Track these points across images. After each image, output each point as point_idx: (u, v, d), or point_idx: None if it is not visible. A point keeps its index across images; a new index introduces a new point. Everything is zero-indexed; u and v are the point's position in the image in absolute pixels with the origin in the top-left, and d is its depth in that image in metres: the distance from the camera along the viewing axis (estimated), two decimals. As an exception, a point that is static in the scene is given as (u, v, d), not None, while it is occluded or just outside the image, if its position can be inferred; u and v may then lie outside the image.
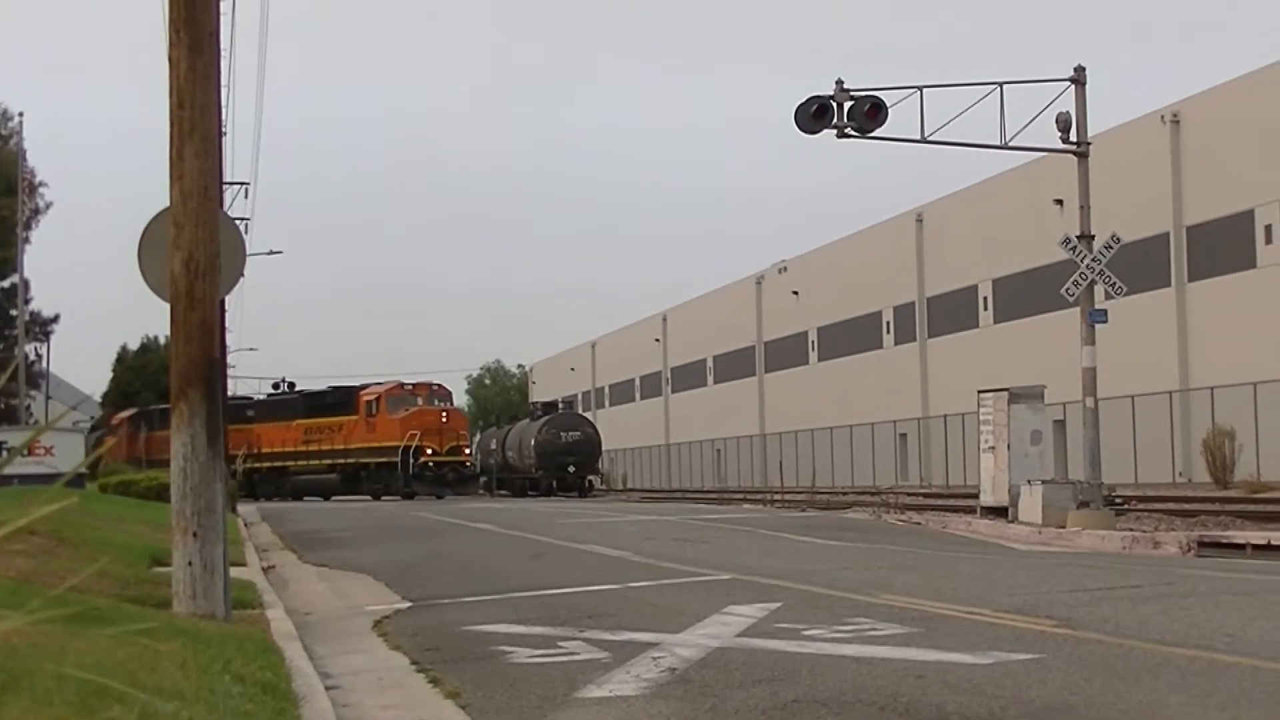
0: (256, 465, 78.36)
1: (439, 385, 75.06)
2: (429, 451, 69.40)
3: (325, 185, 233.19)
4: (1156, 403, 58.40)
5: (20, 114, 72.95)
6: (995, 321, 71.41)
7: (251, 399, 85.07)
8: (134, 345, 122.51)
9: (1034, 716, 9.12)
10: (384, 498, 68.57)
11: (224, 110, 29.88)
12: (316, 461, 75.38)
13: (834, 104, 30.69)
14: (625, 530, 31.27)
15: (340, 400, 75.37)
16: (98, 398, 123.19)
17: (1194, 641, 11.91)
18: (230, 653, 10.34)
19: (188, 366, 13.29)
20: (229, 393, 67.75)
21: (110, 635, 9.41)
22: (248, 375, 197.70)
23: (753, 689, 10.24)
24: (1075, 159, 31.92)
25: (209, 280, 13.43)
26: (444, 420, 71.23)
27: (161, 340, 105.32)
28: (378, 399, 72.10)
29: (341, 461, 73.65)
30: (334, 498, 72.68)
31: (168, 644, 9.96)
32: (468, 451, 72.59)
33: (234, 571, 15.91)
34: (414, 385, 74.17)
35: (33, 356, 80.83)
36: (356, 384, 76.15)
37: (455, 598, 17.90)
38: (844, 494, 59.24)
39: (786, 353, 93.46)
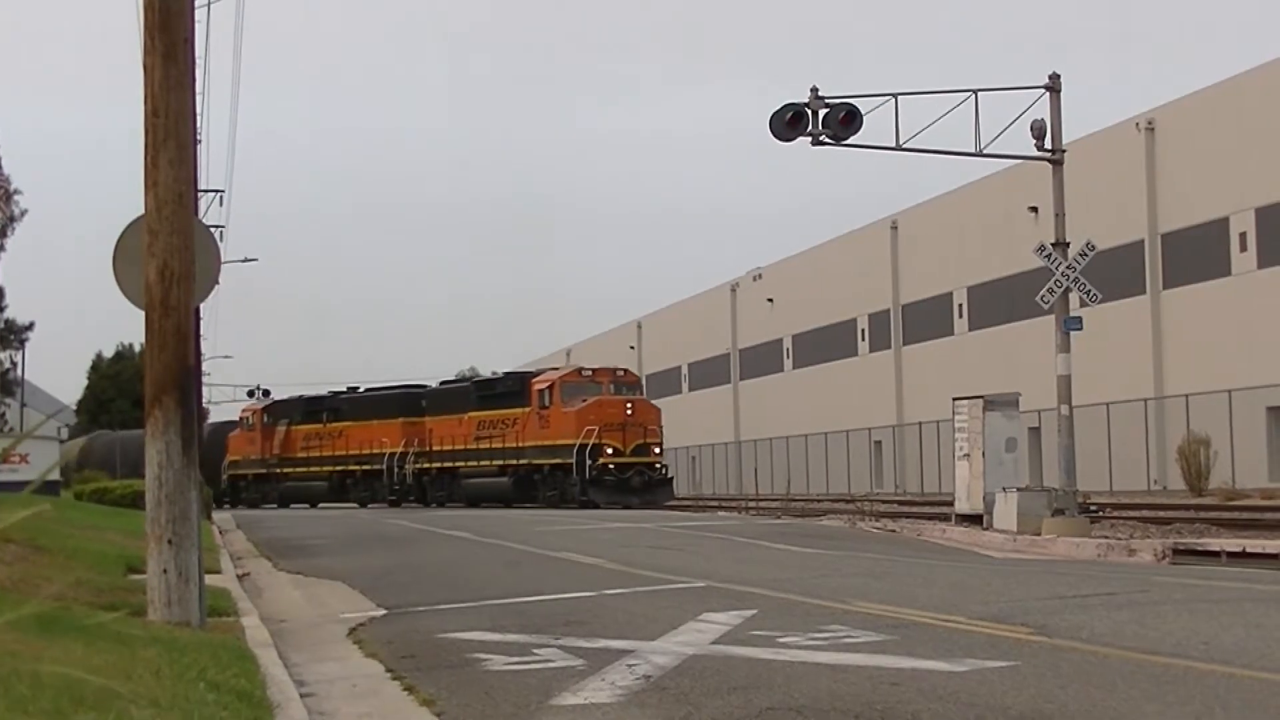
0: (426, 465, 67.92)
1: (624, 371, 63.38)
2: (610, 451, 57.10)
3: (299, 192, 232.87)
4: (1132, 410, 58.57)
5: (-5, 121, 72.74)
6: (970, 329, 71.58)
7: (425, 388, 73.90)
8: (109, 353, 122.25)
9: (1009, 723, 9.14)
10: (561, 506, 57.17)
11: (198, 118, 29.84)
12: (487, 462, 63.46)
13: (809, 111, 30.73)
14: (600, 538, 31.22)
15: (512, 389, 63.27)
16: (73, 405, 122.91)
17: (1169, 649, 11.93)
18: (205, 660, 10.32)
19: (162, 374, 13.25)
20: (204, 400, 66.86)
21: (85, 643, 9.40)
22: (223, 383, 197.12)
23: (728, 696, 10.24)
24: (1050, 166, 32.00)
25: (183, 288, 13.39)
26: (629, 413, 58.17)
27: (136, 348, 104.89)
28: (550, 387, 60.14)
29: (513, 463, 61.61)
30: (513, 505, 61.10)
31: (143, 651, 9.94)
32: (658, 450, 59.16)
33: (208, 579, 15.86)
34: (594, 371, 62.01)
35: (8, 364, 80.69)
36: (531, 370, 66.25)
37: (431, 605, 17.85)
38: (819, 501, 59.28)
39: (761, 360, 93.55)
